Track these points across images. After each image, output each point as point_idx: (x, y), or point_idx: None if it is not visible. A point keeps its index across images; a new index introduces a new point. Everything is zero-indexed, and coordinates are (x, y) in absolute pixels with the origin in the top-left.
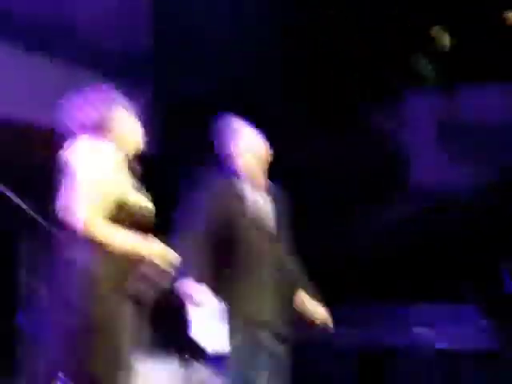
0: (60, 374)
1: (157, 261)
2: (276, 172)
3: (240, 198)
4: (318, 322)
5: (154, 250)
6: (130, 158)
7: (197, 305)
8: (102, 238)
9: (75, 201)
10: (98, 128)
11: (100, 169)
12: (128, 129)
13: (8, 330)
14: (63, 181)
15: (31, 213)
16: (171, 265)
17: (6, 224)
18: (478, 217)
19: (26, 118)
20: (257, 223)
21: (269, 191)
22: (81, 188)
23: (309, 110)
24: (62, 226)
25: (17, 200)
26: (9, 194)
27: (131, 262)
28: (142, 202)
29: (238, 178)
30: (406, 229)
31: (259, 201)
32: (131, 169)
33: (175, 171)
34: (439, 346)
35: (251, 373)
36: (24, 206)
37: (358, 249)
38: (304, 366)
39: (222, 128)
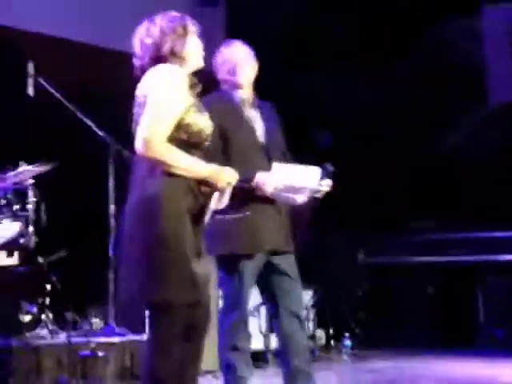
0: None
1: (216, 180)
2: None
3: (234, 110)
4: None
5: (213, 171)
6: (192, 75)
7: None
8: (162, 159)
9: (143, 123)
10: (169, 52)
11: (169, 92)
12: (194, 50)
13: (100, 260)
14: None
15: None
16: (229, 184)
17: (97, 160)
18: None
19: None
20: (251, 137)
21: (257, 105)
22: (150, 110)
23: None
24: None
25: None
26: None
27: (192, 182)
28: (202, 121)
29: (230, 92)
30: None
31: (251, 115)
32: (192, 86)
33: None
34: None
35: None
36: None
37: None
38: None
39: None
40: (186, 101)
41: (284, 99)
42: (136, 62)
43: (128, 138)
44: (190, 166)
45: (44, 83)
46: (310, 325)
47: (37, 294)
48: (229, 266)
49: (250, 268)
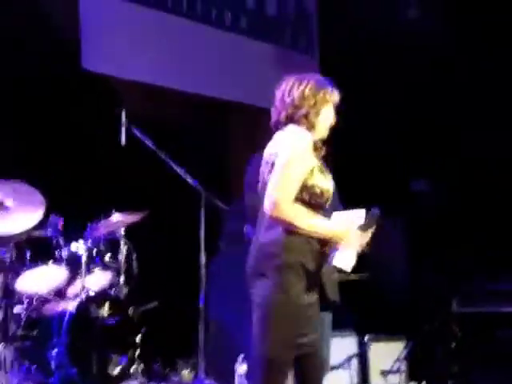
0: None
1: (339, 241)
2: None
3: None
4: None
5: (337, 233)
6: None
7: None
8: (289, 220)
9: (272, 184)
10: (303, 116)
11: (298, 154)
12: (324, 121)
13: (190, 311)
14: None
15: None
16: (354, 246)
17: (188, 209)
18: None
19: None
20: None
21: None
22: (279, 171)
23: None
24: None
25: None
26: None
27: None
28: (325, 183)
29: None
30: None
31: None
32: (317, 150)
33: None
34: None
35: None
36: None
37: None
38: None
39: None
40: (311, 163)
41: None
42: (272, 114)
43: (219, 186)
44: (315, 227)
45: (136, 132)
46: (403, 377)
47: (127, 346)
48: None
49: None
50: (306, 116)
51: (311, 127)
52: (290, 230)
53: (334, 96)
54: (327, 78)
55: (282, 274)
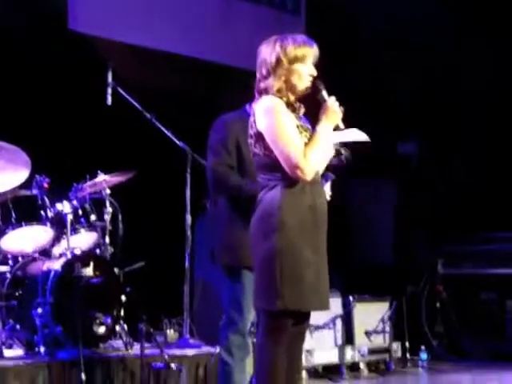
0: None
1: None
2: None
3: None
4: None
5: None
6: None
7: None
8: (315, 169)
9: (280, 155)
10: (276, 82)
11: (278, 115)
12: (301, 75)
13: (175, 271)
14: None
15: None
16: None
17: (174, 169)
18: None
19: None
20: None
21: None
22: (275, 142)
23: None
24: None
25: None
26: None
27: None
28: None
29: None
30: None
31: None
32: (296, 110)
33: None
34: None
35: None
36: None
37: None
38: None
39: None
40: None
41: None
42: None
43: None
44: (323, 149)
45: (122, 92)
46: (387, 337)
47: (112, 306)
48: (232, 275)
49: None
50: (279, 81)
51: (288, 89)
52: (290, 187)
53: (308, 51)
54: (302, 35)
55: (282, 233)
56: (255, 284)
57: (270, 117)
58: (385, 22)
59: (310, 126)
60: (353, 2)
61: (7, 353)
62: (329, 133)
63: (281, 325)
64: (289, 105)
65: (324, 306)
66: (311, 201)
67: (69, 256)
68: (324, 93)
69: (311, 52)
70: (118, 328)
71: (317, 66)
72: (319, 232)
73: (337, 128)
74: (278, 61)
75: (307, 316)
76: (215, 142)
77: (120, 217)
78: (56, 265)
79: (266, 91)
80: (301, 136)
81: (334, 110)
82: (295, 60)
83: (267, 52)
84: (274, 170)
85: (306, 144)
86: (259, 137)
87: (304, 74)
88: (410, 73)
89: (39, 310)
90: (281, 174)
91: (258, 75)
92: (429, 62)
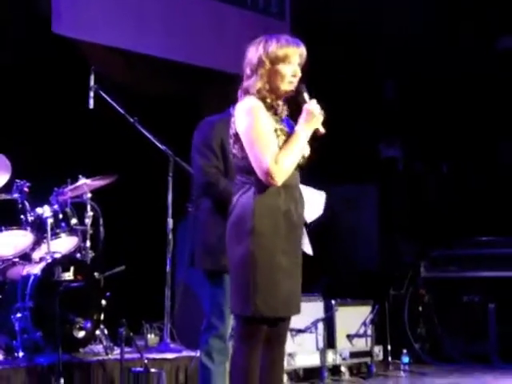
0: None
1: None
2: None
3: None
4: None
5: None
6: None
7: None
8: (286, 174)
9: (252, 158)
10: (257, 83)
11: (255, 117)
12: (283, 76)
13: (156, 276)
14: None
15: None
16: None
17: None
18: None
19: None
20: None
21: None
22: (249, 144)
23: None
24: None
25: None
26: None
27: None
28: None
29: None
30: None
31: None
32: (278, 113)
33: None
34: None
35: None
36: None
37: None
38: None
39: None
40: (271, 124)
41: None
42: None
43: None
44: (297, 154)
45: (105, 95)
46: (368, 341)
47: (92, 310)
48: (214, 280)
49: None
50: (260, 82)
51: (269, 90)
52: (264, 191)
53: (292, 51)
54: (288, 36)
55: (255, 237)
56: (230, 289)
57: (247, 119)
58: (372, 25)
59: (291, 129)
60: (339, 7)
61: None
62: (305, 137)
63: (254, 330)
64: (270, 106)
65: (295, 312)
66: (285, 205)
67: (49, 260)
68: (305, 95)
69: (295, 52)
70: (98, 332)
71: (303, 68)
72: (294, 237)
73: (317, 132)
74: (260, 61)
75: (284, 319)
76: (199, 142)
77: (101, 221)
78: (36, 269)
79: (247, 91)
80: (278, 140)
81: (313, 113)
82: (277, 60)
83: (252, 52)
84: (249, 173)
85: (280, 148)
86: (237, 138)
87: (286, 75)
88: (396, 75)
89: (18, 315)
90: (255, 178)
91: (244, 75)
92: (415, 63)
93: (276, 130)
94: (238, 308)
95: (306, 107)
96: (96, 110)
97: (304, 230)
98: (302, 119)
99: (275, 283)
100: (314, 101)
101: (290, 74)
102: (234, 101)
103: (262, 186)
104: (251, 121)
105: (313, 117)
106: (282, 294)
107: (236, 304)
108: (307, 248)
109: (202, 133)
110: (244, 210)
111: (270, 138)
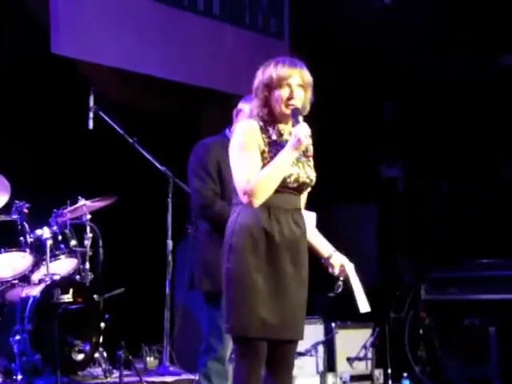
0: None
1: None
2: None
3: None
4: None
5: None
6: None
7: None
8: (263, 195)
9: (234, 175)
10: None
11: (244, 139)
12: (280, 101)
13: (156, 298)
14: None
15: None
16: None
17: (156, 195)
18: None
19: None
20: None
21: None
22: (234, 164)
23: None
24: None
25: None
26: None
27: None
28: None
29: None
30: None
31: None
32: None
33: None
34: None
35: None
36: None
37: None
38: None
39: None
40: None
41: None
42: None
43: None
44: (273, 174)
45: (104, 116)
46: (369, 364)
47: (91, 333)
48: (212, 302)
49: None
50: (259, 105)
51: (267, 113)
52: (246, 211)
53: (288, 73)
54: (289, 58)
55: (234, 255)
56: None
57: (234, 141)
58: (371, 46)
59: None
60: (338, 26)
61: None
62: (287, 159)
63: (247, 349)
64: (270, 129)
65: (289, 336)
66: (268, 226)
67: (48, 282)
68: (299, 118)
69: (291, 74)
70: (97, 355)
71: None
72: (278, 258)
73: (306, 152)
74: (259, 85)
75: (285, 342)
76: (196, 165)
77: (101, 242)
78: (35, 291)
79: (250, 114)
80: (263, 162)
81: (298, 137)
82: (272, 84)
83: (257, 75)
84: (237, 194)
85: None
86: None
87: (280, 98)
88: (396, 95)
89: (17, 337)
90: (240, 198)
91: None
92: (415, 83)
93: (263, 153)
94: (224, 325)
95: (293, 130)
96: (95, 130)
97: (360, 287)
98: (289, 142)
99: (248, 302)
100: (304, 124)
101: (286, 97)
102: (231, 121)
103: (246, 205)
104: (237, 142)
105: (297, 140)
106: (256, 313)
107: (223, 321)
108: (362, 304)
109: (198, 156)
110: (228, 229)
111: (253, 159)
